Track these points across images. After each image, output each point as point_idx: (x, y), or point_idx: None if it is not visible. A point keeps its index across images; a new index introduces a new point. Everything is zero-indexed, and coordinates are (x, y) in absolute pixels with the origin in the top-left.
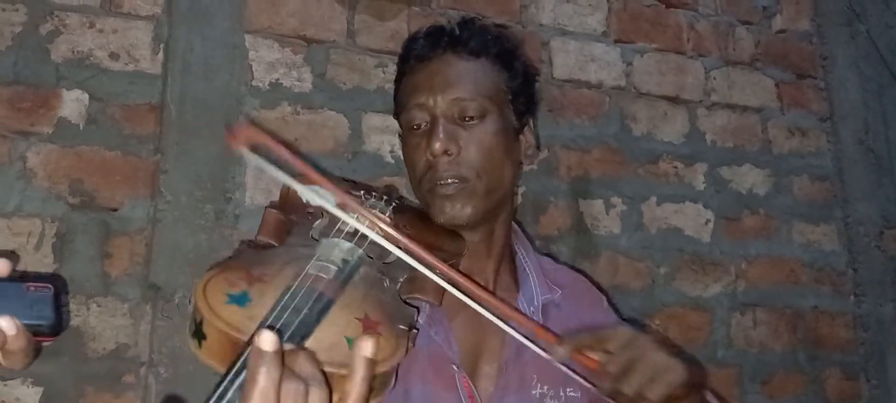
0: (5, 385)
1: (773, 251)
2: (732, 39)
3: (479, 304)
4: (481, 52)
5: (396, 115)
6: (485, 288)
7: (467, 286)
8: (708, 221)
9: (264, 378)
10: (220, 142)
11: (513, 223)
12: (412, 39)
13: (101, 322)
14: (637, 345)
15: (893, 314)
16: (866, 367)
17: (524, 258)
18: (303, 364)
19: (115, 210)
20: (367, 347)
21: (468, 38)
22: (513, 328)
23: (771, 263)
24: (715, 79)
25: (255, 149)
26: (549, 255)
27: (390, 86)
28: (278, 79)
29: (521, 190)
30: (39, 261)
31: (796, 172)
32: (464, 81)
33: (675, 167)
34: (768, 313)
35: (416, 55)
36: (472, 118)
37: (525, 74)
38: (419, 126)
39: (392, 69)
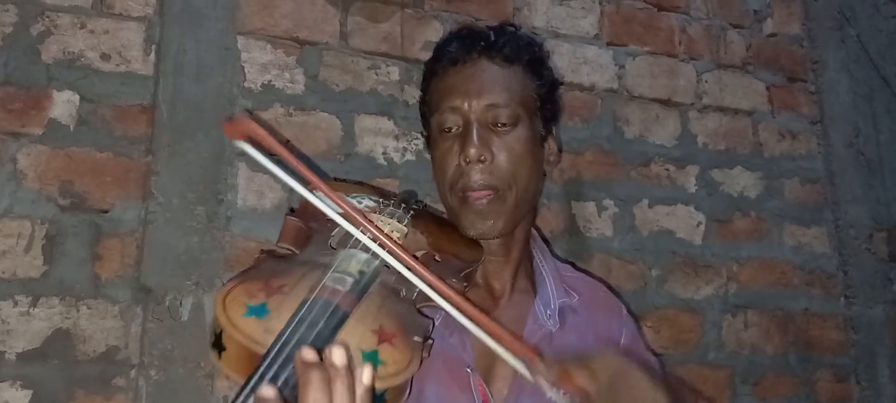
0: None
1: (765, 253)
2: (724, 43)
3: (476, 325)
4: (515, 59)
5: (423, 116)
6: (483, 310)
7: (468, 308)
8: (699, 223)
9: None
10: (212, 144)
11: (532, 228)
12: (446, 41)
13: (91, 324)
14: (623, 374)
15: (884, 316)
16: (857, 369)
17: (541, 262)
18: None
19: (106, 211)
20: (366, 377)
21: (503, 44)
22: (500, 347)
23: (762, 265)
24: (706, 82)
25: (253, 144)
26: (570, 263)
27: (383, 88)
28: (271, 80)
29: None
30: (29, 263)
31: (787, 175)
32: (498, 88)
33: (667, 169)
34: (759, 315)
35: (450, 58)
36: (504, 124)
37: (552, 83)
38: (451, 129)
39: (385, 71)
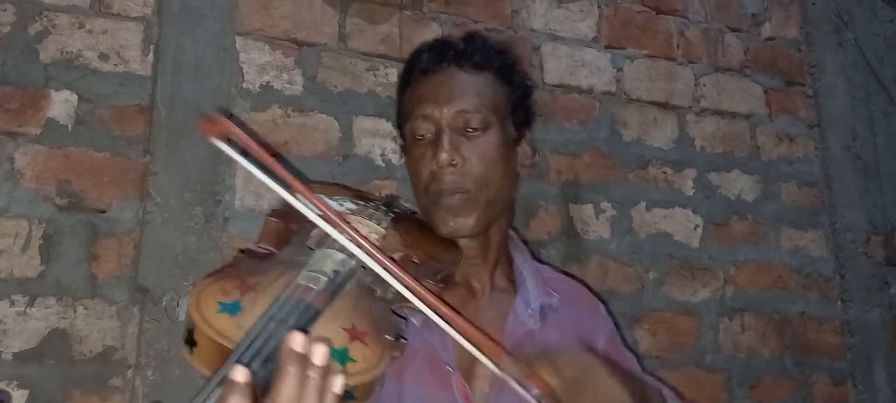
0: None
1: (762, 256)
2: (722, 46)
3: (452, 327)
4: (484, 66)
5: (399, 126)
6: (458, 309)
7: (442, 308)
8: (697, 226)
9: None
10: (210, 145)
11: (510, 230)
12: (417, 52)
13: (87, 324)
14: (588, 372)
15: (880, 319)
16: (853, 373)
17: (521, 264)
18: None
19: (104, 212)
20: (337, 386)
21: (472, 52)
22: (480, 351)
23: (759, 269)
24: (704, 85)
25: (230, 142)
26: (548, 264)
27: (381, 89)
28: (269, 81)
29: None
30: (26, 263)
31: (784, 178)
32: (468, 94)
33: (665, 172)
34: (756, 318)
35: (421, 68)
36: (475, 129)
37: (524, 88)
38: (424, 136)
39: (383, 72)
